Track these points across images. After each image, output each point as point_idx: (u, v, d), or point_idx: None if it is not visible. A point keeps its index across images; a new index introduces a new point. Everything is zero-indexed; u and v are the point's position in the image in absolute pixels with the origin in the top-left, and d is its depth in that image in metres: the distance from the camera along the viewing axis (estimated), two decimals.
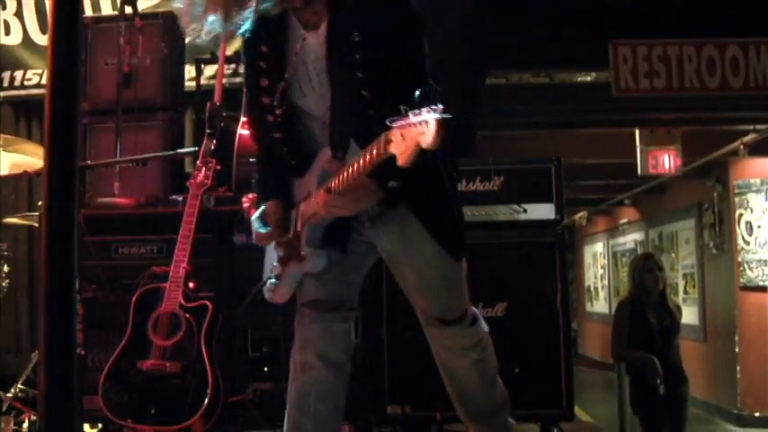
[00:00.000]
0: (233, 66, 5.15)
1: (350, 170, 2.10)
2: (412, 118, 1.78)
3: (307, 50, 2.34)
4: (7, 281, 3.76)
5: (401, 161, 1.81)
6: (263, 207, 2.51)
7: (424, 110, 1.77)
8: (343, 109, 2.29)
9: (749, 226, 8.75)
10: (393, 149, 1.84)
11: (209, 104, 4.09)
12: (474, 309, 2.58)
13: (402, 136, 1.80)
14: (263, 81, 2.42)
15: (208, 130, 3.93)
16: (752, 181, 8.79)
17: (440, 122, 1.75)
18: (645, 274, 5.66)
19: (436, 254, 2.38)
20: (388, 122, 1.83)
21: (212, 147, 3.83)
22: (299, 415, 2.45)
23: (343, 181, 2.15)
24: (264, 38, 2.37)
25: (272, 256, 2.57)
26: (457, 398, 2.66)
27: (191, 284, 3.55)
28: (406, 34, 2.27)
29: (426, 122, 1.75)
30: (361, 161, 2.04)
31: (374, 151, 1.95)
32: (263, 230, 2.48)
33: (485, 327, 2.61)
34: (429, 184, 2.34)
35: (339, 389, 2.50)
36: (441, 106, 1.77)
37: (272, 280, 2.53)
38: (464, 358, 2.54)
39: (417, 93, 1.83)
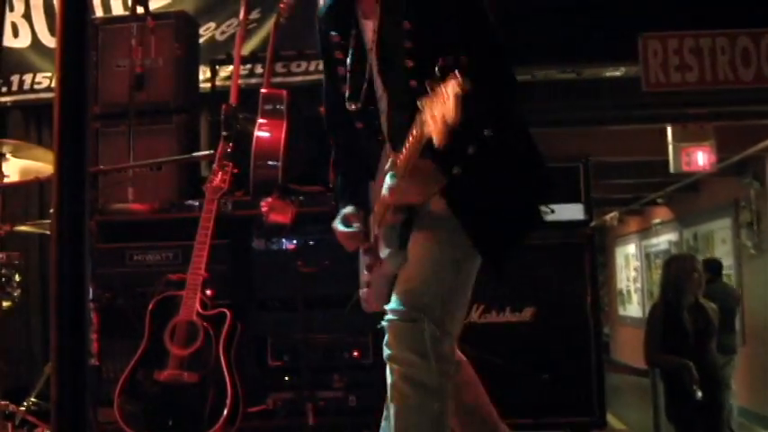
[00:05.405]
0: (249, 66, 5.13)
1: (405, 152, 2.02)
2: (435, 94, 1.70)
3: (366, 40, 2.28)
4: (19, 290, 3.70)
5: (436, 142, 1.72)
6: (342, 211, 2.43)
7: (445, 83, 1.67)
8: (398, 100, 2.19)
9: None
10: (428, 131, 1.75)
11: (224, 106, 4.04)
12: (454, 351, 2.22)
13: (431, 116, 1.71)
14: (340, 70, 2.35)
15: (223, 133, 3.91)
16: None
17: (457, 96, 1.63)
18: (691, 276, 5.57)
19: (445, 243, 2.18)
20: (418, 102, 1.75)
21: (228, 150, 3.79)
22: None
23: (402, 165, 2.05)
24: (336, 26, 2.34)
25: (362, 263, 2.53)
26: None
27: (208, 292, 3.52)
28: (460, 16, 2.13)
29: (447, 96, 1.65)
30: (407, 143, 1.96)
31: (414, 133, 1.88)
32: (347, 229, 2.39)
33: (447, 383, 2.16)
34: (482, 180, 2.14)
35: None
36: (458, 74, 1.65)
37: (363, 288, 2.48)
38: (396, 388, 2.14)
39: (438, 65, 1.71)
